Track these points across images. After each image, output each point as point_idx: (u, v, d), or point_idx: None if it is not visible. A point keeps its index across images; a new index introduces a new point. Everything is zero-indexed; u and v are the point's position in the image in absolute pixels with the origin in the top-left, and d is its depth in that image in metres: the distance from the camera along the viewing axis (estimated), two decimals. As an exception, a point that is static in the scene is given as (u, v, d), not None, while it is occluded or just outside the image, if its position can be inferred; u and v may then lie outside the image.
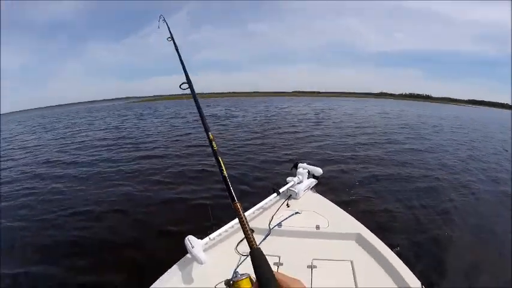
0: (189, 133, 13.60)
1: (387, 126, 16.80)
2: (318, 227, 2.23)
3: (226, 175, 1.29)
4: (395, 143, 11.22)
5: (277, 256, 1.95)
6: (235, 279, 1.05)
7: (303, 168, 2.91)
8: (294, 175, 2.89)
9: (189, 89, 1.66)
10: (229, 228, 2.13)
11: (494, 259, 3.61)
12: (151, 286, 1.69)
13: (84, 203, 5.40)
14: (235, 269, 1.12)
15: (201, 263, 1.73)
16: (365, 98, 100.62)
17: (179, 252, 1.85)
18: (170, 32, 2.10)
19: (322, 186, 3.13)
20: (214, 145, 1.42)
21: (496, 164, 8.71)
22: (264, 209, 2.55)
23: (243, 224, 1.13)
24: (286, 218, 2.36)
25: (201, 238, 1.92)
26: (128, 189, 5.97)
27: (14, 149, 13.17)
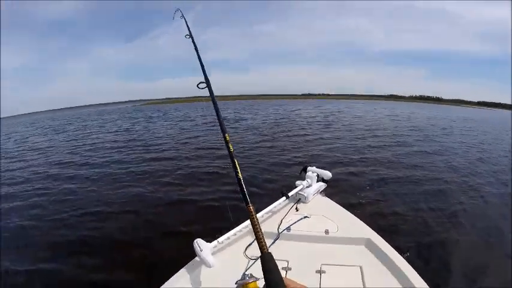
0: (198, 136, 13.69)
1: (397, 128, 16.62)
2: (327, 232, 2.20)
3: (241, 177, 1.29)
4: (404, 145, 11.12)
5: (286, 260, 1.94)
6: (241, 282, 1.06)
7: (312, 171, 2.86)
8: (303, 179, 2.84)
9: (207, 88, 1.66)
10: (238, 231, 2.11)
11: (501, 262, 3.56)
12: None
13: (95, 204, 5.48)
14: (244, 273, 1.13)
15: (209, 266, 1.72)
16: (375, 101, 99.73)
17: (188, 253, 1.85)
18: (189, 29, 2.06)
19: (331, 189, 3.11)
20: (231, 147, 1.42)
21: (505, 166, 8.58)
22: (273, 212, 2.52)
23: (256, 228, 1.13)
24: (295, 222, 2.33)
25: (210, 241, 1.91)
26: (138, 190, 6.04)
27: (25, 150, 13.43)
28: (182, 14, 2.20)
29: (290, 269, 1.87)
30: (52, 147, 13.41)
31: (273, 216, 2.48)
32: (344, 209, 2.61)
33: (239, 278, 1.09)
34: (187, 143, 11.94)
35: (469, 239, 4.12)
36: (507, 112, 64.80)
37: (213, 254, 1.83)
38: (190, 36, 2.03)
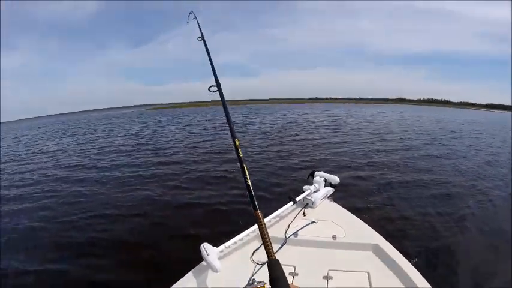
0: (206, 140, 13.74)
1: (405, 132, 16.50)
2: (334, 237, 2.19)
3: (250, 183, 1.29)
4: (413, 149, 11.02)
5: (293, 266, 1.92)
6: (250, 287, 1.07)
7: (320, 176, 2.84)
8: (311, 184, 2.82)
9: (217, 92, 1.66)
10: (245, 236, 2.11)
11: (509, 267, 3.52)
12: None
13: (104, 206, 5.54)
14: (251, 277, 1.12)
15: (216, 270, 1.71)
16: (383, 104, 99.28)
17: (195, 256, 1.85)
18: (201, 32, 2.08)
19: (339, 193, 3.09)
20: (240, 152, 1.42)
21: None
22: (280, 217, 2.51)
23: (263, 233, 1.14)
24: (303, 227, 2.33)
25: (217, 245, 1.92)
26: (146, 194, 6.08)
27: (35, 153, 13.67)
28: (195, 16, 2.24)
29: (297, 274, 1.86)
30: (61, 150, 13.63)
31: (280, 221, 2.47)
32: (352, 214, 2.59)
33: (246, 283, 1.10)
34: (195, 147, 11.99)
35: (477, 243, 4.07)
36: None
37: (219, 258, 1.84)
38: (203, 38, 2.06)
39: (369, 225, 2.37)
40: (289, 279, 0.97)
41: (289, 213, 2.59)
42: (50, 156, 12.02)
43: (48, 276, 3.54)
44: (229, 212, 4.89)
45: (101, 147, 13.21)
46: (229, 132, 1.55)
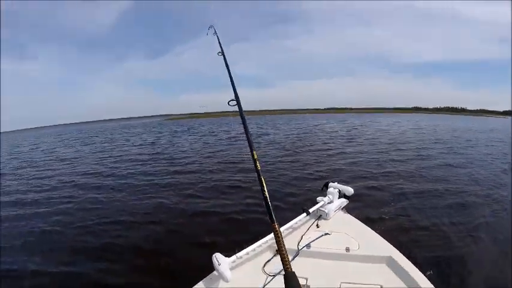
0: (221, 150, 13.84)
1: (421, 142, 16.21)
2: (347, 249, 2.16)
3: (268, 196, 1.32)
4: (428, 159, 10.84)
5: (305, 278, 1.90)
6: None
7: (334, 187, 2.81)
8: (325, 195, 2.79)
9: (236, 106, 1.71)
10: (257, 247, 2.10)
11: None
12: None
13: (119, 213, 5.65)
14: None
15: (227, 281, 1.71)
16: (399, 113, 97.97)
17: (208, 265, 1.86)
18: (221, 47, 2.12)
19: (354, 203, 3.07)
20: (258, 165, 1.44)
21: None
22: (294, 228, 2.49)
23: (280, 246, 1.16)
24: (316, 239, 2.30)
25: (229, 256, 1.92)
26: (162, 202, 6.16)
27: (53, 160, 14.08)
28: (215, 31, 2.28)
29: (309, 286, 1.84)
30: (78, 158, 13.98)
31: (293, 232, 2.46)
32: (366, 226, 2.56)
33: None
34: (210, 156, 12.10)
35: (491, 253, 3.99)
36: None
37: (231, 268, 1.83)
38: (222, 53, 2.09)
39: (383, 236, 2.34)
40: None
41: (302, 224, 2.58)
42: (68, 163, 12.36)
43: (63, 278, 3.65)
44: (244, 222, 4.91)
45: (118, 156, 13.51)
46: (245, 142, 1.57)
